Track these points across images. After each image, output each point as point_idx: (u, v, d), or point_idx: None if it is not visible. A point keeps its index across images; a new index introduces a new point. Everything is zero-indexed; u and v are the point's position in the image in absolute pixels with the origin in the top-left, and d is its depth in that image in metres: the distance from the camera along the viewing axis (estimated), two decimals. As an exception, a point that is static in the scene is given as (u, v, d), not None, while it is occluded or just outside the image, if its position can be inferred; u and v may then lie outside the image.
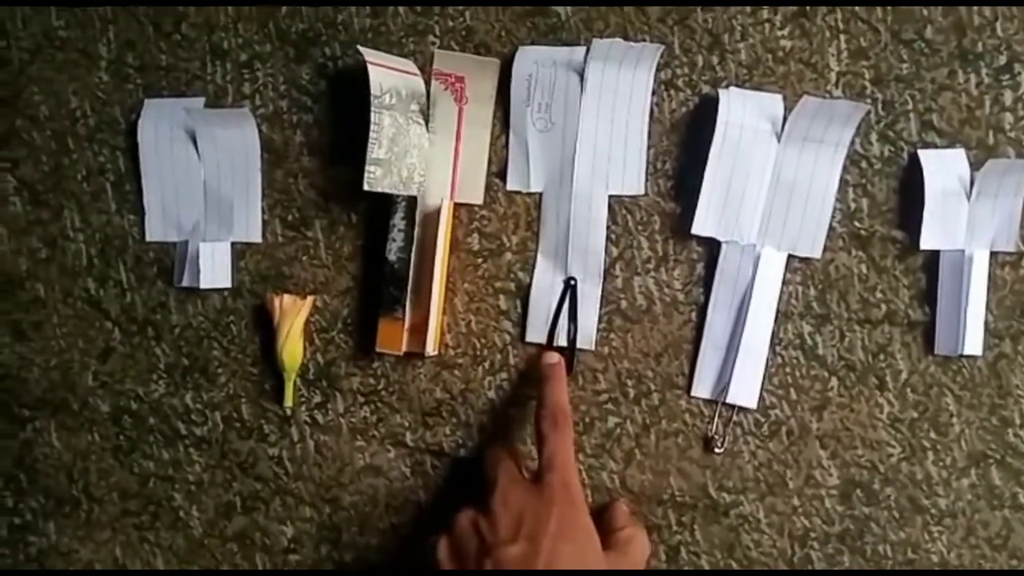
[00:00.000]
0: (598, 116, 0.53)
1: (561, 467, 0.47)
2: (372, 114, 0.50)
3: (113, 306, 0.59)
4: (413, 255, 0.54)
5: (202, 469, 0.59)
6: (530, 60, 0.54)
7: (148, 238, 0.59)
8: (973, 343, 0.51)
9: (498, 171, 0.55)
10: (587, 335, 0.54)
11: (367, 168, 0.51)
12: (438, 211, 0.53)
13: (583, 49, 0.53)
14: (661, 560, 0.54)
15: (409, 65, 0.54)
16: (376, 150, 0.51)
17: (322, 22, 0.56)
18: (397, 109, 0.52)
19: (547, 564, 0.42)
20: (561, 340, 0.54)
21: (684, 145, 0.53)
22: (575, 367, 0.54)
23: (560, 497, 0.45)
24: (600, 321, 0.54)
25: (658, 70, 0.53)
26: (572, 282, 0.54)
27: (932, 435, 0.52)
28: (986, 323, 0.51)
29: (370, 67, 0.50)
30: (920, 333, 0.52)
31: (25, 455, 0.60)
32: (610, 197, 0.54)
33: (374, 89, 0.50)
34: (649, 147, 0.53)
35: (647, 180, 0.54)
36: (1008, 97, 0.51)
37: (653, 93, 0.53)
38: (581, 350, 0.54)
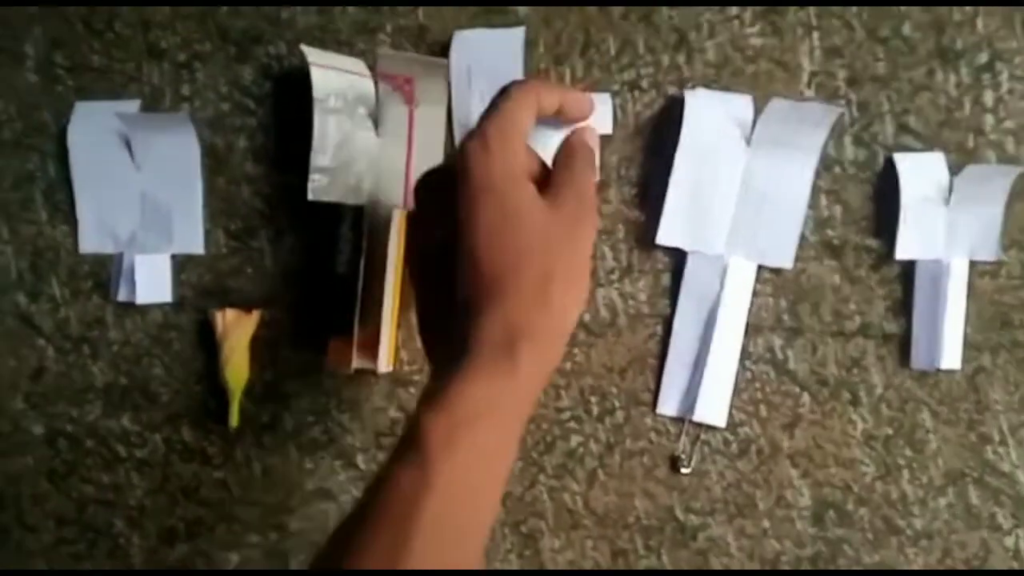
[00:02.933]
0: None
1: None
2: (316, 119, 0.47)
3: (46, 322, 0.56)
4: (362, 268, 0.51)
5: (143, 494, 0.55)
6: (468, 45, 0.51)
7: (82, 250, 0.55)
8: (951, 357, 0.49)
9: (453, 177, 0.52)
10: None
11: (311, 176, 0.48)
12: (387, 221, 0.50)
13: (520, 31, 0.50)
14: (626, 588, 0.52)
15: (357, 66, 0.51)
16: (320, 157, 0.48)
17: (265, 20, 0.53)
18: (343, 113, 0.49)
19: (467, 247, 0.38)
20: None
21: (649, 150, 0.51)
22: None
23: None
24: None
25: (621, 70, 0.50)
26: None
27: (908, 453, 0.50)
28: (964, 336, 0.49)
29: (313, 68, 0.47)
30: (895, 346, 0.50)
31: (-46, 480, 0.57)
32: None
33: (317, 92, 0.47)
34: (612, 152, 0.51)
35: (611, 178, 0.51)
36: (989, 98, 0.49)
37: (615, 91, 0.50)
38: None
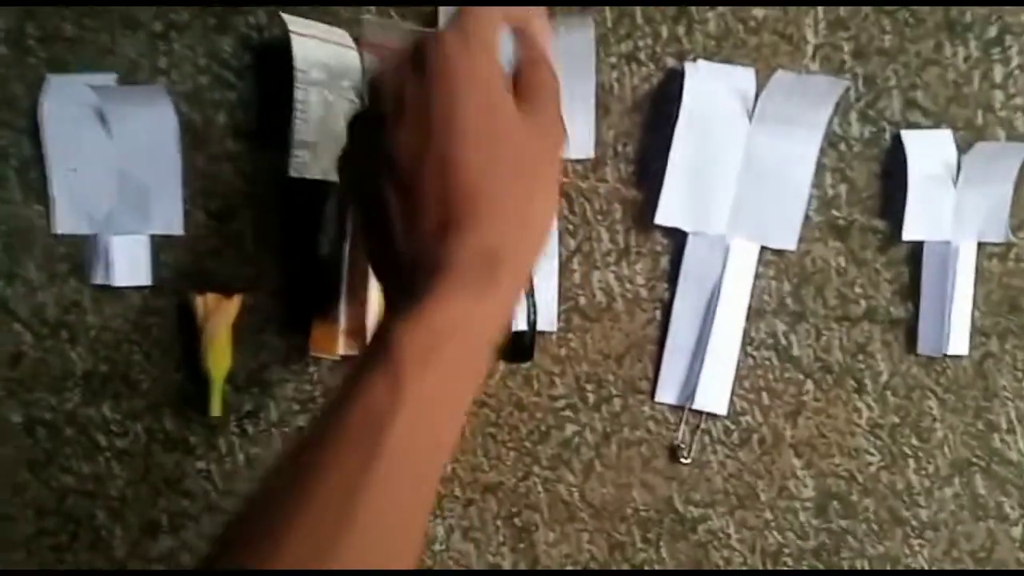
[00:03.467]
0: None
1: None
2: (296, 91, 0.45)
3: (21, 306, 0.54)
4: (346, 249, 0.49)
5: (125, 484, 0.54)
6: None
7: (57, 230, 0.53)
8: (958, 342, 0.47)
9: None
10: (548, 316, 0.50)
11: (292, 152, 0.46)
12: (374, 201, 0.48)
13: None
14: (623, 581, 0.51)
15: (341, 36, 0.48)
16: (302, 131, 0.46)
17: (246, -12, 0.51)
18: (326, 85, 0.47)
19: (441, 157, 0.34)
20: (520, 324, 0.49)
21: (647, 125, 0.49)
22: (534, 358, 0.50)
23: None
24: (558, 318, 0.50)
25: (618, 41, 0.49)
26: None
27: (913, 441, 0.49)
28: (972, 320, 0.47)
29: (293, 38, 0.45)
30: (902, 331, 0.49)
31: (-71, 469, 0.55)
32: (565, 182, 0.49)
33: (298, 63, 0.45)
34: (608, 127, 0.49)
35: (607, 155, 0.49)
36: (998, 72, 0.47)
37: (612, 63, 0.48)
38: (542, 332, 0.50)
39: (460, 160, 0.34)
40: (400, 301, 0.35)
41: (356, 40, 0.49)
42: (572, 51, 0.48)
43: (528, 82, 0.37)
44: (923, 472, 0.49)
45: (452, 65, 0.34)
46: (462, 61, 0.34)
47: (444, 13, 0.49)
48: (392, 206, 0.35)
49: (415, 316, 0.32)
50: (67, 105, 0.52)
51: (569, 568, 0.51)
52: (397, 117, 0.35)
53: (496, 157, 0.34)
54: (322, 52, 0.47)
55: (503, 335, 0.37)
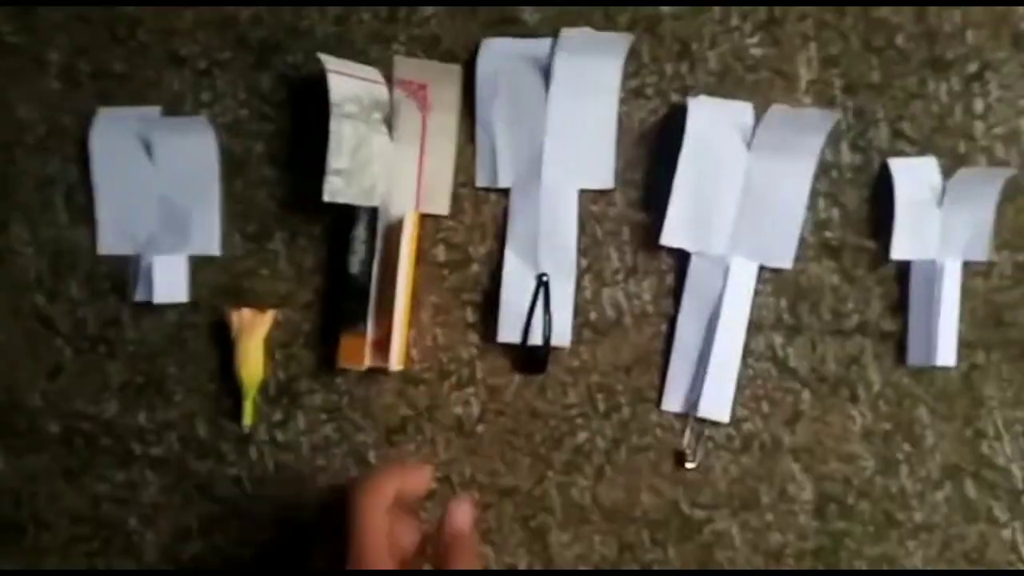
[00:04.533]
0: (566, 108, 0.52)
1: None
2: (332, 122, 0.49)
3: (64, 322, 0.57)
4: (376, 268, 0.52)
5: (158, 491, 0.56)
6: (495, 53, 0.53)
7: (100, 251, 0.56)
8: (946, 353, 0.50)
9: (465, 181, 0.54)
10: (562, 332, 0.52)
11: (327, 178, 0.49)
12: (401, 222, 0.52)
13: (548, 41, 0.52)
14: (633, 580, 0.53)
15: (372, 73, 0.53)
16: (336, 160, 0.50)
17: (284, 29, 0.55)
18: (359, 118, 0.51)
19: None
20: (535, 339, 0.52)
21: (653, 155, 0.53)
22: (547, 370, 0.53)
23: None
24: (571, 329, 0.53)
25: (627, 78, 0.52)
26: (544, 278, 0.52)
27: (906, 447, 0.51)
28: (959, 334, 0.50)
29: (330, 75, 0.49)
30: (892, 344, 0.51)
31: (-31, 479, 0.58)
32: (580, 206, 0.53)
33: (334, 97, 0.49)
34: (618, 156, 0.52)
35: (616, 182, 0.52)
36: (979, 105, 0.51)
37: (621, 98, 0.52)
38: (556, 348, 0.53)
39: None
40: None
41: (386, 78, 0.53)
42: (597, 84, 0.52)
43: (448, 555, 0.45)
44: (915, 476, 0.51)
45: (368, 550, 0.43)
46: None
47: (485, 45, 0.53)
48: None
49: None
50: (115, 135, 0.56)
51: (582, 568, 0.53)
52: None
53: None
54: (355, 88, 0.51)
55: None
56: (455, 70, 0.53)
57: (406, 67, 0.52)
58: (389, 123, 0.53)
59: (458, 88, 0.53)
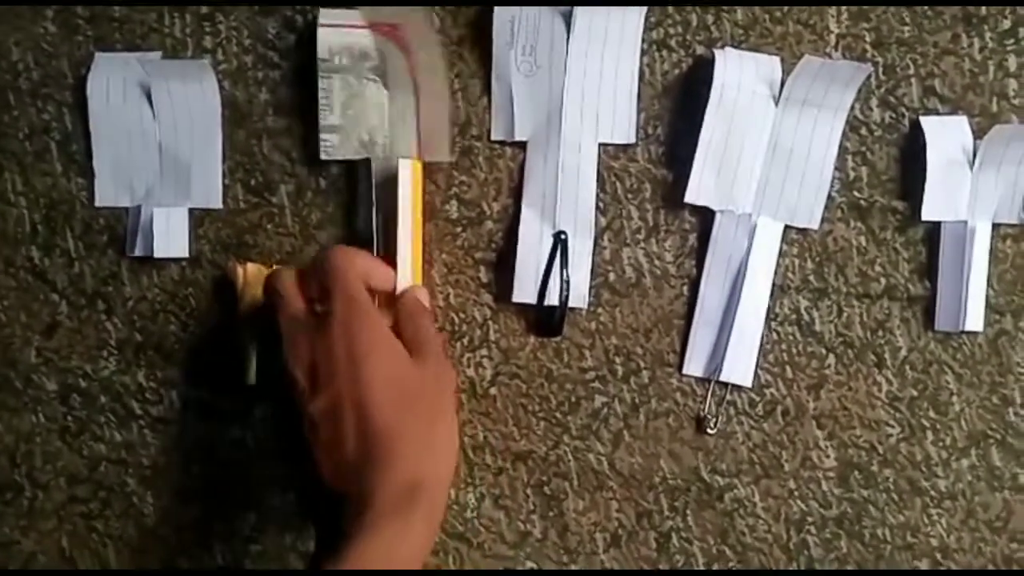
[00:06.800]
0: (586, 59, 0.50)
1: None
2: (319, 80, 0.48)
3: (59, 277, 0.55)
4: (379, 223, 0.50)
5: (157, 452, 0.54)
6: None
7: (98, 203, 0.54)
8: (974, 319, 0.49)
9: (479, 133, 0.52)
10: (579, 293, 0.51)
11: (321, 137, 0.48)
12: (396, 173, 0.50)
13: None
14: (652, 548, 0.51)
15: (360, 19, 0.50)
16: (328, 116, 0.48)
17: (290, -29, 0.52)
18: (350, 71, 0.49)
19: (356, 405, 0.42)
20: (552, 299, 0.51)
21: (677, 109, 0.51)
22: (564, 332, 0.51)
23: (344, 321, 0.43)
24: (589, 290, 0.51)
25: (649, 29, 0.50)
26: (563, 236, 0.50)
27: (931, 414, 0.50)
28: (987, 299, 0.49)
29: (319, 29, 0.48)
30: (920, 308, 0.50)
31: (-38, 438, 0.56)
32: (598, 158, 0.51)
33: (321, 53, 0.48)
34: (640, 110, 0.51)
35: (638, 137, 0.51)
36: (1012, 62, 0.49)
37: (644, 49, 0.50)
38: (573, 309, 0.51)
39: (373, 405, 0.42)
40: (329, 537, 0.44)
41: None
42: (619, 35, 0.50)
43: (413, 337, 0.45)
44: (940, 444, 0.50)
45: (352, 331, 0.43)
46: (366, 331, 0.43)
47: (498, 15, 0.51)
48: (317, 451, 0.44)
49: (348, 556, 0.39)
50: (113, 81, 0.53)
51: (598, 535, 0.52)
52: (311, 384, 0.44)
53: (401, 401, 0.43)
54: (348, 39, 0.49)
55: (431, 546, 0.44)
56: (419, 9, 0.50)
57: (372, 13, 0.50)
58: (381, 71, 0.51)
59: (431, 24, 0.51)
